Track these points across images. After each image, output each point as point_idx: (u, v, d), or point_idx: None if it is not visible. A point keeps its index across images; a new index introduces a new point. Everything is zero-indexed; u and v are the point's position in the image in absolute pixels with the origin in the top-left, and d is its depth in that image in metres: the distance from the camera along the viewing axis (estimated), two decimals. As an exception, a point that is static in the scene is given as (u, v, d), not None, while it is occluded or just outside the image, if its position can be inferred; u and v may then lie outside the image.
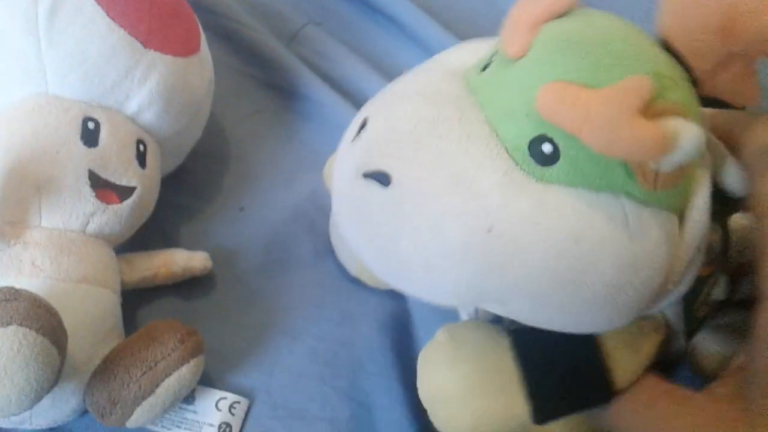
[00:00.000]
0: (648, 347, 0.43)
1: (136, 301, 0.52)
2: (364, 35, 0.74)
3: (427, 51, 0.72)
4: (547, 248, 0.34)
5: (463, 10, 0.77)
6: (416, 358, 0.45)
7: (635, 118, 0.31)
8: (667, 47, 0.37)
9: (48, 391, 0.38)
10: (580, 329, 0.38)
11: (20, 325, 0.36)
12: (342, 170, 0.39)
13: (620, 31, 0.35)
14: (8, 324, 0.35)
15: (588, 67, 0.34)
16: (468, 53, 0.42)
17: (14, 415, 0.38)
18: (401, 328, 0.55)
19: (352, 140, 0.39)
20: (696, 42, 0.36)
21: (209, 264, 0.53)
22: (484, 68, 0.39)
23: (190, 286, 0.54)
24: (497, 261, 0.34)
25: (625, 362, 0.41)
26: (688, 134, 0.32)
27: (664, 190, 0.35)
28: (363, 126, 0.38)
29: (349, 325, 0.54)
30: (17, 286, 0.39)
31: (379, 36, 0.74)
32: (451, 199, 0.34)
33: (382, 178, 0.36)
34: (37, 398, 0.37)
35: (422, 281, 0.37)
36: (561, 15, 0.36)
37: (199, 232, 0.57)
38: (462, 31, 0.73)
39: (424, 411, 0.42)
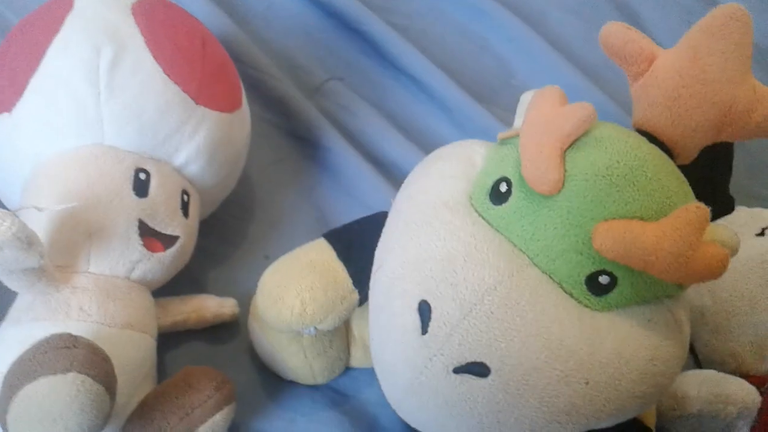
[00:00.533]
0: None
1: (164, 345, 0.53)
2: (384, 91, 0.76)
3: (444, 109, 0.75)
4: (634, 378, 0.36)
5: (477, 70, 0.81)
6: None
7: (701, 246, 0.33)
8: (648, 137, 0.40)
9: (95, 437, 0.39)
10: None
11: (79, 372, 0.37)
12: (413, 364, 0.37)
13: (639, 150, 0.37)
14: (68, 371, 0.37)
15: (637, 200, 0.35)
16: (454, 177, 0.41)
17: (60, 458, 0.39)
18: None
19: (421, 333, 0.36)
20: (689, 139, 0.40)
21: (238, 310, 0.55)
22: (496, 197, 0.38)
23: (215, 331, 0.55)
24: (597, 407, 0.36)
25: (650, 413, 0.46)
26: (734, 239, 0.35)
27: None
28: (423, 311, 0.36)
29: (366, 381, 0.56)
30: (66, 330, 0.40)
31: (398, 93, 0.77)
32: (553, 370, 0.35)
33: (478, 370, 0.35)
34: None
35: None
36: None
37: (225, 278, 0.59)
38: (477, 92, 0.76)
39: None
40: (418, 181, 0.42)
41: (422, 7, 0.84)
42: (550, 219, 0.36)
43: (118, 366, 0.43)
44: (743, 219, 0.64)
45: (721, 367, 0.57)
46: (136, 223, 0.46)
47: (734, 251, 0.35)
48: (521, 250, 0.37)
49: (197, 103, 0.49)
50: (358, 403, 0.54)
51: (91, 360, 0.38)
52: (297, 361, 0.50)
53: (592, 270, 0.36)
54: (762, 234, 0.61)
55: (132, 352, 0.45)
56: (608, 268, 0.36)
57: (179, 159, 0.49)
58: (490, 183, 0.39)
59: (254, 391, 0.54)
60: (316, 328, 0.46)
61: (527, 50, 0.83)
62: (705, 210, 0.34)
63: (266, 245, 0.61)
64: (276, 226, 0.63)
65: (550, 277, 0.36)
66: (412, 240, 0.39)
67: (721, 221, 0.65)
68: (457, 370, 0.36)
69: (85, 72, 0.45)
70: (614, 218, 0.35)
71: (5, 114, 0.46)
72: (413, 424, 0.41)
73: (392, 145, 0.70)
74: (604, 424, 0.38)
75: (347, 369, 0.55)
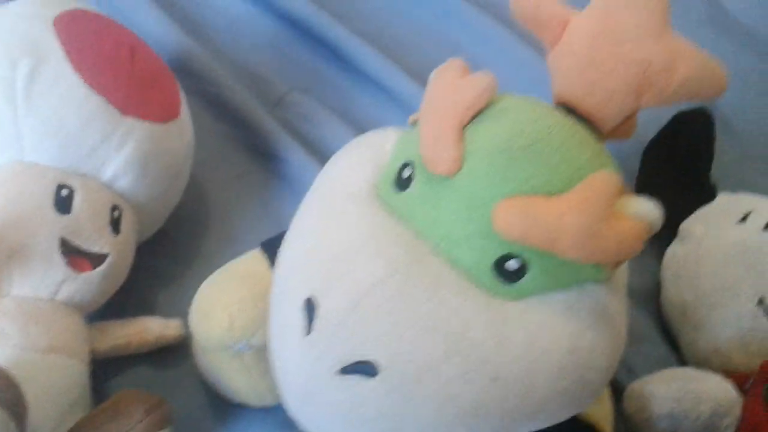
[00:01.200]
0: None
1: (107, 370, 0.51)
2: (350, 100, 0.74)
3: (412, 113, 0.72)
4: (551, 372, 0.33)
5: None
6: None
7: (611, 221, 0.30)
8: (569, 111, 0.37)
9: (5, 466, 0.37)
10: (572, 415, 0.37)
11: (-22, 397, 0.35)
12: (301, 368, 0.34)
13: (543, 120, 0.34)
14: (-34, 397, 0.35)
15: (540, 174, 0.32)
16: (361, 165, 0.39)
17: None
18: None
19: (306, 333, 0.33)
20: (608, 107, 0.36)
21: (182, 332, 0.52)
22: (399, 183, 0.36)
23: (163, 354, 0.53)
24: (510, 406, 0.33)
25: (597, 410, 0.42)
26: (652, 213, 0.32)
27: (621, 264, 0.35)
28: (310, 309, 0.34)
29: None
30: (-17, 355, 0.38)
31: (365, 100, 0.75)
32: (450, 364, 0.32)
33: (366, 369, 0.32)
34: None
35: None
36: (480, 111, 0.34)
37: (177, 299, 0.56)
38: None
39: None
40: (326, 172, 0.40)
41: (388, 12, 0.82)
42: (451, 202, 0.33)
43: (39, 391, 0.41)
44: (725, 205, 0.61)
45: (706, 365, 0.53)
46: (58, 242, 0.44)
47: (654, 225, 0.31)
48: (424, 237, 0.34)
49: (124, 114, 0.47)
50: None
51: (-8, 385, 0.36)
52: (242, 381, 0.48)
53: (499, 255, 0.33)
54: (744, 220, 0.57)
55: (55, 378, 0.43)
56: (516, 252, 0.33)
57: (107, 173, 0.47)
58: (395, 169, 0.36)
59: (202, 415, 0.51)
60: (249, 343, 0.44)
61: (500, 49, 0.80)
62: (614, 178, 0.31)
63: (221, 263, 0.59)
64: (232, 243, 0.60)
65: (455, 266, 0.33)
66: (306, 234, 0.36)
67: (702, 209, 0.62)
68: (344, 371, 0.32)
69: (1, 87, 0.44)
70: (517, 195, 0.32)
71: None
72: None
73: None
74: (530, 425, 0.35)
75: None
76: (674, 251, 0.61)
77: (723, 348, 0.53)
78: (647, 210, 0.31)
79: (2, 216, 0.43)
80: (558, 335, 0.33)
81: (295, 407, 0.37)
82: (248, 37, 0.77)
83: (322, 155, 0.67)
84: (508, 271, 0.33)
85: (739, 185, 0.65)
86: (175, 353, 0.53)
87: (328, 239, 0.35)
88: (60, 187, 0.45)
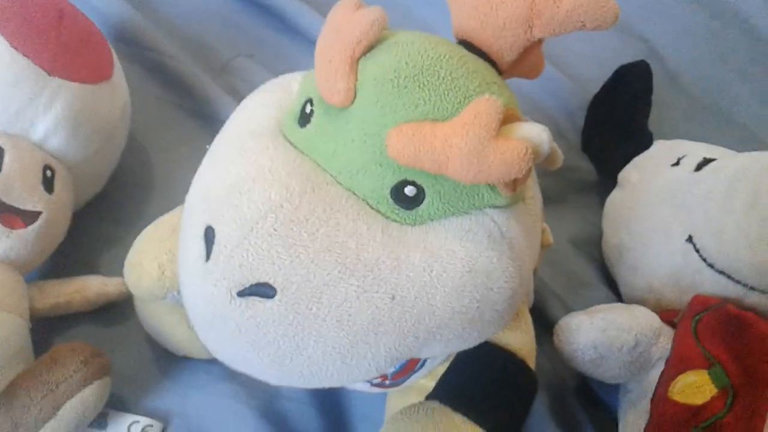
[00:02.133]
0: (522, 317, 0.45)
1: (53, 329, 0.52)
2: (296, 65, 0.75)
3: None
4: (448, 291, 0.34)
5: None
6: (332, 390, 0.46)
7: (496, 142, 0.31)
8: (468, 47, 0.38)
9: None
10: (483, 339, 0.39)
11: None
12: (203, 294, 0.35)
13: (433, 50, 0.35)
14: None
15: (428, 101, 0.33)
16: (266, 105, 0.40)
17: None
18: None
19: (205, 260, 0.34)
20: (501, 38, 0.37)
21: (124, 289, 0.53)
22: (302, 119, 0.37)
23: (108, 312, 0.54)
24: (409, 324, 0.34)
25: (516, 339, 0.43)
26: (539, 135, 0.33)
27: (519, 190, 0.36)
28: (208, 238, 0.35)
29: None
30: None
31: (310, 65, 0.75)
32: (346, 284, 0.33)
33: (263, 291, 0.33)
34: None
35: (338, 374, 0.36)
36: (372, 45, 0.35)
37: (120, 259, 0.57)
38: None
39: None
40: (233, 116, 0.41)
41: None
42: (347, 132, 0.35)
43: (-25, 344, 0.42)
44: (662, 152, 0.62)
45: (642, 304, 0.54)
46: None
47: (541, 147, 0.32)
48: (324, 169, 0.35)
49: (51, 75, 0.47)
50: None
51: None
52: (182, 332, 0.49)
53: (395, 181, 0.34)
54: (677, 164, 0.58)
55: (-8, 331, 0.44)
56: (412, 178, 0.34)
57: (37, 133, 0.48)
58: (298, 107, 0.37)
59: (147, 369, 0.52)
60: (179, 292, 0.45)
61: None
62: (495, 102, 0.32)
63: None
64: (175, 205, 0.60)
65: (354, 194, 0.35)
66: (208, 169, 0.38)
67: (639, 157, 0.63)
68: (242, 294, 0.33)
69: None
70: (407, 122, 0.33)
71: None
72: (224, 361, 0.39)
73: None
74: (435, 346, 0.36)
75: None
76: (612, 198, 0.63)
77: (656, 285, 0.55)
78: (533, 133, 0.32)
79: (-70, 176, 0.44)
80: (455, 256, 0.34)
81: (202, 333, 0.38)
82: (192, 5, 0.77)
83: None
84: (406, 197, 0.34)
85: (685, 137, 0.66)
86: (120, 311, 0.54)
87: (228, 173, 0.36)
88: (-13, 146, 0.46)
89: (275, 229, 0.33)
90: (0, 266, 0.46)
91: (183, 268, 0.37)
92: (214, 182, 0.36)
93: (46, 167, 0.48)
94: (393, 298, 0.33)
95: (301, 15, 0.76)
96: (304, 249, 0.33)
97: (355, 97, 0.34)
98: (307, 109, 0.37)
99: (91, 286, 0.52)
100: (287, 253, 0.33)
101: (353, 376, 0.36)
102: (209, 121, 0.67)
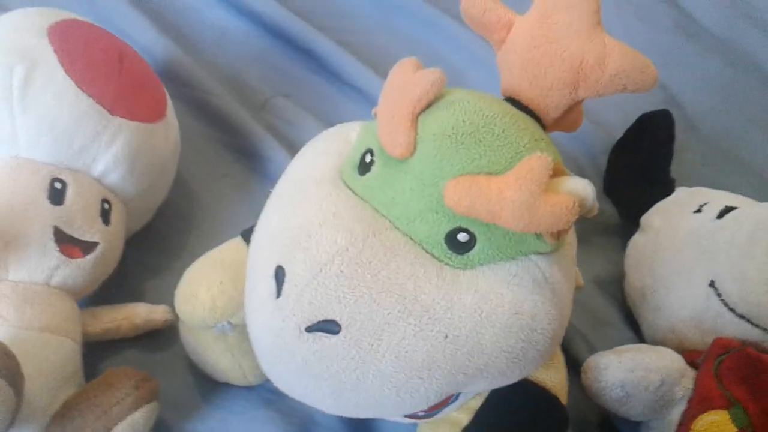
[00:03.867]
0: (555, 355, 0.48)
1: (101, 353, 0.55)
2: (331, 105, 0.78)
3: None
4: (497, 332, 0.37)
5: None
6: (365, 419, 0.48)
7: (546, 195, 0.34)
8: (516, 103, 0.41)
9: (3, 431, 0.40)
10: (523, 377, 0.41)
11: (-23, 366, 0.38)
12: (272, 329, 0.38)
13: (488, 109, 0.38)
14: (-34, 365, 0.38)
15: (483, 156, 0.36)
16: (326, 154, 0.43)
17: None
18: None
19: (275, 297, 0.37)
20: (548, 98, 0.41)
21: (170, 316, 0.56)
22: (362, 168, 0.40)
23: (153, 338, 0.56)
24: (460, 362, 0.37)
25: (550, 376, 0.46)
26: (584, 189, 0.35)
27: (562, 238, 0.38)
28: (279, 277, 0.37)
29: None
30: (-18, 334, 0.41)
31: (345, 105, 0.79)
32: (405, 323, 0.36)
33: (329, 327, 0.36)
34: None
35: (391, 406, 0.39)
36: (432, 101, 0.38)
37: (164, 288, 0.60)
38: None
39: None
40: (294, 162, 0.44)
41: (369, 23, 0.87)
42: (406, 182, 0.37)
43: (34, 367, 0.44)
44: (683, 198, 0.65)
45: (664, 344, 0.56)
46: (52, 230, 0.48)
47: (586, 201, 0.35)
48: (383, 215, 0.38)
49: (113, 114, 0.51)
50: (293, 402, 0.54)
51: (-9, 355, 0.39)
52: (225, 361, 0.51)
53: (450, 228, 0.37)
54: (699, 211, 0.61)
55: (50, 354, 0.46)
56: (465, 225, 0.37)
57: (98, 168, 0.51)
58: (358, 156, 0.40)
59: (189, 394, 0.54)
60: (230, 323, 0.47)
61: (480, 59, 0.84)
62: (545, 159, 0.34)
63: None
64: (218, 238, 0.63)
65: (411, 239, 0.37)
66: (275, 213, 0.40)
67: (662, 202, 0.66)
68: (309, 329, 0.36)
69: None
70: (463, 175, 0.36)
71: None
72: (288, 393, 0.41)
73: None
74: (481, 382, 0.38)
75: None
76: (635, 241, 0.65)
77: (679, 327, 0.57)
78: (579, 187, 0.35)
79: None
80: (503, 299, 0.37)
81: (267, 367, 0.40)
82: (234, 47, 0.81)
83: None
84: (459, 243, 0.37)
85: (702, 183, 0.68)
86: (163, 338, 0.57)
87: (295, 216, 0.39)
88: (54, 180, 0.49)
89: (342, 271, 0.36)
90: (58, 293, 0.49)
91: (252, 304, 0.40)
92: (282, 225, 0.39)
93: (104, 200, 0.51)
94: (446, 336, 0.36)
95: (336, 57, 0.79)
96: (367, 289, 0.36)
97: (414, 150, 0.37)
98: (368, 159, 0.40)
99: (139, 313, 0.55)
100: (352, 293, 0.35)
101: (404, 409, 0.38)
102: (250, 158, 0.71)
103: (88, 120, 0.49)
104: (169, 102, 0.59)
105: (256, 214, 0.65)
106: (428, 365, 0.36)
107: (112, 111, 0.51)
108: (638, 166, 0.71)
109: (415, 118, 0.37)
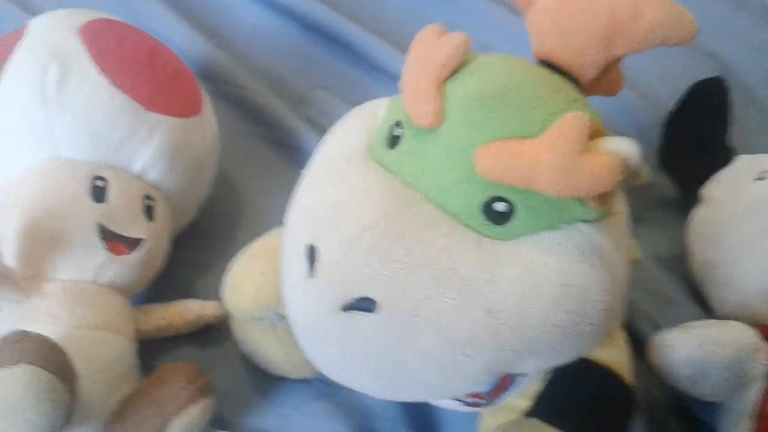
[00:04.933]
0: (616, 334, 0.45)
1: (155, 350, 0.54)
2: (370, 95, 0.75)
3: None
4: (543, 304, 0.35)
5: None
6: (424, 408, 0.47)
7: (584, 156, 0.32)
8: (550, 66, 0.39)
9: (59, 429, 0.39)
10: (579, 354, 0.39)
11: (29, 363, 0.38)
12: (307, 309, 0.37)
13: (517, 71, 0.36)
14: (18, 362, 0.38)
15: (514, 120, 0.34)
16: (355, 130, 0.41)
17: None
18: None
19: (308, 276, 0.36)
20: (582, 57, 0.38)
21: (222, 312, 0.55)
22: (391, 142, 0.38)
23: (206, 334, 0.56)
24: (505, 337, 0.35)
25: (612, 355, 0.43)
26: (627, 149, 0.33)
27: (608, 204, 0.36)
28: (311, 255, 0.36)
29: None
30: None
31: (386, 95, 0.77)
32: (444, 298, 0.34)
33: (364, 305, 0.35)
34: None
35: (437, 387, 0.37)
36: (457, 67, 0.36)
37: (214, 284, 0.59)
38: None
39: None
40: (325, 140, 0.43)
41: (399, 12, 0.85)
42: (436, 152, 0.36)
43: (88, 364, 0.44)
44: (744, 166, 0.62)
45: (735, 320, 0.53)
46: (96, 228, 0.47)
47: (629, 161, 0.33)
48: (414, 188, 0.36)
49: (148, 110, 0.50)
50: (351, 393, 0.53)
51: (42, 352, 0.39)
52: (276, 353, 0.50)
53: (485, 197, 0.35)
54: (761, 179, 0.58)
55: (102, 352, 0.46)
56: (501, 194, 0.35)
57: (137, 165, 0.51)
58: (386, 130, 0.39)
59: (245, 389, 0.54)
60: (277, 313, 0.46)
61: (515, 39, 0.82)
62: (581, 118, 0.32)
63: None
64: (263, 232, 0.63)
65: (445, 211, 0.36)
66: (306, 191, 0.39)
67: (721, 172, 0.62)
68: (345, 308, 0.35)
69: (33, 91, 0.48)
70: (495, 140, 0.34)
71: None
72: (325, 373, 0.40)
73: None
74: (531, 361, 0.36)
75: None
76: (697, 214, 0.62)
77: (749, 301, 0.53)
78: (621, 146, 0.33)
79: (43, 208, 0.47)
80: (548, 269, 0.35)
81: (305, 347, 0.39)
82: (269, 41, 0.80)
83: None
84: (496, 213, 0.35)
85: (761, 152, 0.65)
86: (217, 334, 0.56)
87: (325, 194, 0.38)
88: (95, 178, 0.48)
89: (373, 246, 0.34)
90: (107, 291, 0.48)
91: (287, 284, 0.39)
92: (312, 203, 0.38)
93: (147, 197, 0.51)
94: (489, 311, 0.34)
95: (374, 48, 0.78)
96: (401, 264, 0.34)
97: (442, 119, 0.35)
98: (396, 132, 0.38)
99: (191, 310, 0.55)
100: (385, 269, 0.34)
101: (452, 390, 0.37)
102: (291, 151, 0.70)
103: (124, 116, 0.49)
104: (206, 98, 0.58)
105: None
106: (471, 342, 0.34)
107: (148, 107, 0.50)
108: (694, 136, 0.68)
109: (441, 85, 0.36)
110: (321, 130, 0.70)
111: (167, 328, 0.54)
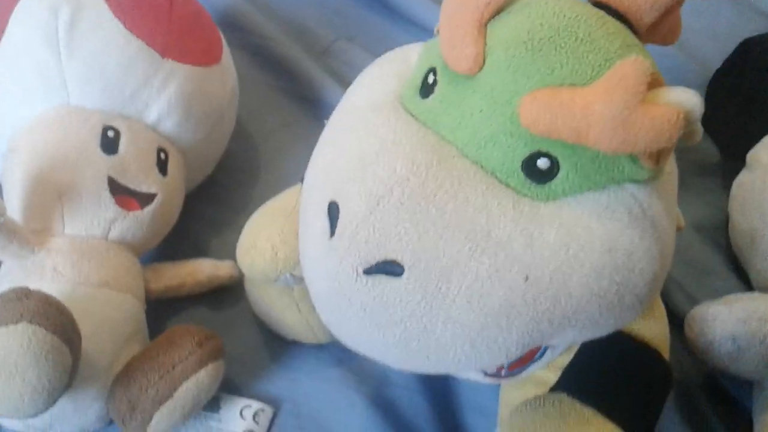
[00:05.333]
0: (656, 305, 0.42)
1: (166, 311, 0.52)
2: (396, 45, 0.73)
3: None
4: (586, 272, 0.31)
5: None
6: (442, 378, 0.45)
7: (643, 107, 0.28)
8: (605, 9, 0.35)
9: (61, 391, 0.38)
10: (619, 327, 0.36)
11: (30, 322, 0.36)
12: (326, 272, 0.33)
13: (569, 11, 0.32)
14: (18, 321, 0.36)
15: (565, 64, 0.31)
16: (384, 77, 0.38)
17: (30, 416, 0.38)
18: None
19: (329, 236, 0.33)
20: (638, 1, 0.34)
21: (236, 272, 0.53)
22: (424, 90, 0.35)
23: (219, 296, 0.54)
24: (543, 307, 0.32)
25: (649, 328, 0.40)
26: (690, 100, 0.29)
27: (663, 162, 0.33)
28: (332, 214, 0.33)
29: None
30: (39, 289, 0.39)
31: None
32: (478, 262, 0.31)
33: (390, 269, 0.31)
34: (51, 398, 0.37)
35: (466, 358, 0.34)
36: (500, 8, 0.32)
37: (229, 243, 0.56)
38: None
39: (449, 425, 0.42)
40: (351, 89, 0.39)
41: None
42: (474, 101, 0.32)
43: (94, 323, 0.42)
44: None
45: (778, 293, 0.50)
46: (106, 181, 0.45)
47: (693, 113, 0.29)
48: (449, 141, 0.33)
49: (164, 57, 0.47)
50: (366, 361, 0.51)
51: (44, 311, 0.37)
52: (292, 316, 0.48)
53: (527, 153, 0.31)
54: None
55: (110, 311, 0.44)
56: (545, 149, 0.31)
57: (151, 115, 0.48)
58: (420, 77, 0.35)
59: (257, 353, 0.52)
60: (292, 275, 0.44)
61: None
62: (642, 63, 0.28)
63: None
64: (282, 189, 0.60)
65: (482, 167, 0.32)
66: (328, 144, 0.36)
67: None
68: (368, 271, 0.32)
69: (43, 35, 0.45)
70: (542, 88, 0.30)
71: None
72: (345, 342, 0.37)
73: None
74: (570, 332, 0.33)
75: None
76: (741, 180, 0.58)
77: (795, 274, 0.50)
78: (684, 97, 0.29)
79: (51, 157, 0.44)
80: (593, 234, 0.31)
81: (324, 313, 0.36)
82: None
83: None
84: (538, 170, 0.32)
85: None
86: (230, 295, 0.54)
87: (350, 147, 0.34)
88: (106, 128, 0.46)
89: (402, 203, 0.31)
90: (116, 248, 0.46)
91: (305, 246, 0.36)
92: (335, 157, 0.35)
93: (160, 150, 0.49)
94: (527, 278, 0.31)
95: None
96: (432, 225, 0.31)
97: (483, 63, 0.32)
98: (430, 79, 0.34)
99: (203, 269, 0.52)
100: (415, 229, 0.31)
101: (481, 362, 0.34)
102: (312, 105, 0.67)
103: (139, 63, 0.46)
104: (226, 47, 0.56)
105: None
106: (506, 311, 0.31)
107: (164, 54, 0.48)
108: (741, 96, 0.63)
109: (483, 26, 0.32)
110: (345, 82, 0.68)
111: (178, 288, 0.51)
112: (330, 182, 0.34)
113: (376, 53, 0.70)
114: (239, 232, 0.57)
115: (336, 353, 0.51)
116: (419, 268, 0.31)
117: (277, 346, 0.52)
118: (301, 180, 0.47)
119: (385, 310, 0.32)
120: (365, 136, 0.34)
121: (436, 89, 0.34)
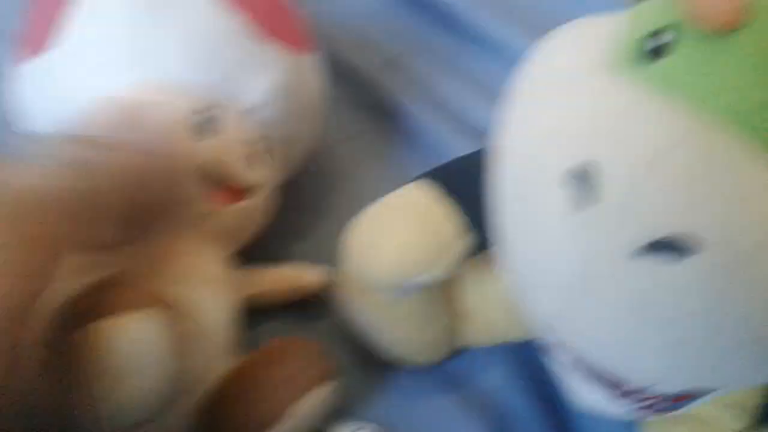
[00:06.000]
0: None
1: (251, 321, 0.46)
2: (459, 63, 0.71)
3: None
4: None
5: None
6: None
7: None
8: None
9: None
10: None
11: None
12: (574, 254, 0.28)
13: None
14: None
15: None
16: (580, 47, 0.32)
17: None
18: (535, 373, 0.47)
19: (575, 207, 0.27)
20: None
21: (324, 281, 0.47)
22: (649, 53, 0.29)
23: (304, 310, 0.48)
24: None
25: None
26: None
27: None
28: (582, 183, 0.27)
29: (484, 362, 0.47)
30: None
31: (484, 64, 0.71)
32: None
33: (671, 249, 0.25)
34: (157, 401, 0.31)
35: (742, 372, 0.28)
36: None
37: (313, 251, 0.52)
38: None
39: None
40: (540, 58, 0.33)
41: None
42: (735, 64, 0.26)
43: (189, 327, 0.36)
44: None
45: None
46: (197, 171, 0.39)
47: None
48: (698, 110, 0.27)
49: (264, 37, 0.43)
50: (477, 384, 0.46)
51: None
52: (403, 330, 0.42)
53: None
54: None
55: (206, 313, 0.38)
56: None
57: (246, 101, 0.43)
58: (636, 41, 0.29)
59: (354, 375, 0.46)
60: (417, 282, 0.38)
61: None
62: None
63: (351, 217, 0.54)
64: (360, 197, 0.55)
65: (747, 142, 0.26)
66: (544, 113, 0.30)
67: None
68: (641, 251, 0.26)
69: (135, 6, 0.40)
70: None
71: (49, 52, 0.41)
72: (580, 345, 0.31)
73: (476, 108, 0.64)
74: None
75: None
76: None
77: None
78: None
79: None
80: None
81: (556, 309, 0.30)
82: (354, 4, 0.76)
83: (437, 110, 0.65)
84: None
85: None
86: (313, 307, 0.49)
87: (582, 109, 0.28)
88: (196, 111, 0.40)
89: (682, 168, 0.25)
90: (206, 244, 0.40)
91: (523, 229, 0.30)
92: (564, 122, 0.29)
93: (254, 141, 0.43)
94: None
95: (466, 12, 0.72)
96: (722, 197, 0.25)
97: (746, 16, 0.26)
98: (665, 39, 0.28)
99: (286, 277, 0.47)
100: (705, 202, 0.25)
101: (751, 378, 0.28)
102: (384, 114, 0.65)
103: (238, 41, 0.42)
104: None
105: (394, 172, 0.58)
106: None
107: (264, 33, 0.43)
108: None
109: None
110: (415, 93, 0.66)
111: (259, 297, 0.46)
112: (570, 146, 0.28)
113: (438, 68, 0.68)
114: (322, 239, 0.51)
115: (443, 377, 0.46)
116: (713, 250, 0.25)
117: (377, 366, 0.46)
118: (427, 176, 0.42)
119: (664, 300, 0.26)
120: (596, 98, 0.28)
121: (674, 50, 0.28)
